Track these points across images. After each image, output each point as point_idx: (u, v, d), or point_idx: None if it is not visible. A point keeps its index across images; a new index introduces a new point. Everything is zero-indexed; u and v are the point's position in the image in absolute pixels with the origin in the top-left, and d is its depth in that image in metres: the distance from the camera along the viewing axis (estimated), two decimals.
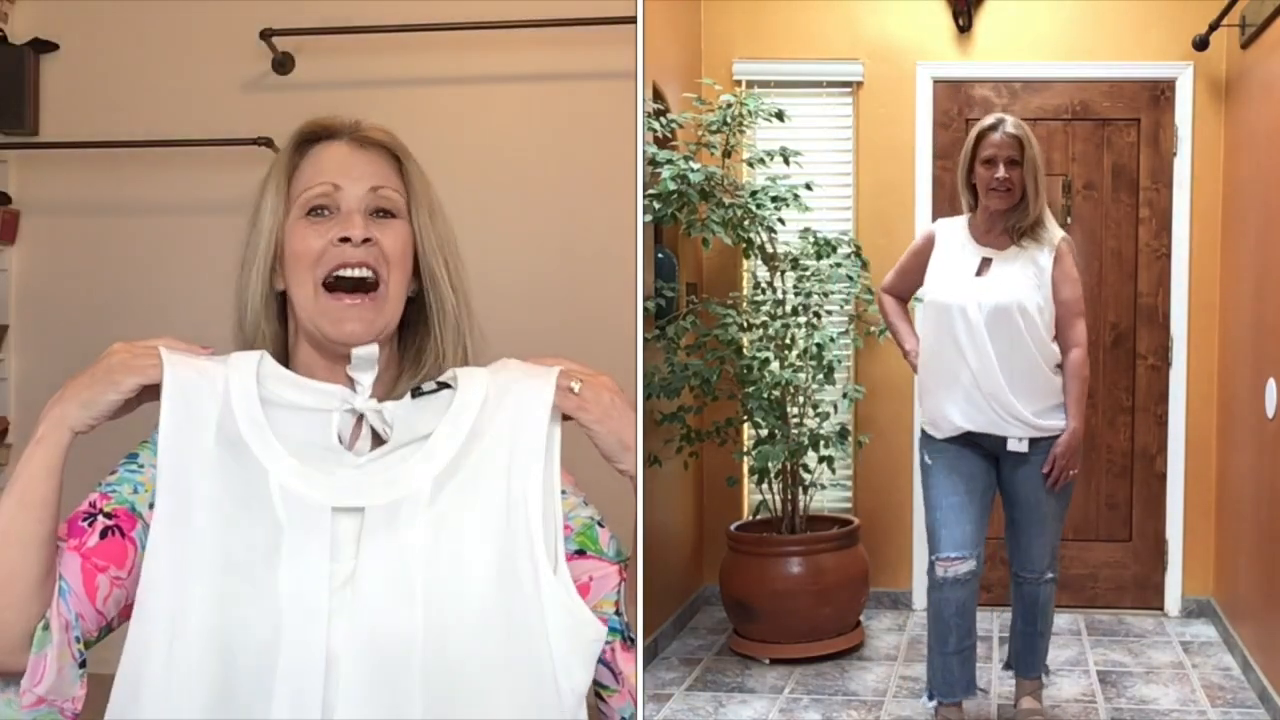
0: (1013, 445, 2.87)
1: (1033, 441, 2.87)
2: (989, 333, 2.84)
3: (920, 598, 4.20)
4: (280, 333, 1.43)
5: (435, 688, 1.23)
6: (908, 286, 3.18)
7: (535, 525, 1.29)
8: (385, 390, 1.40)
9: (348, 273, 1.36)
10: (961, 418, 2.90)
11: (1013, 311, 2.84)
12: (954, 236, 3.00)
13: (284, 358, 1.41)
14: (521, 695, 1.26)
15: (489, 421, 1.32)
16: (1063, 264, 2.89)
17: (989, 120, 2.91)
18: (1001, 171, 2.85)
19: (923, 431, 3.03)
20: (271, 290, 1.41)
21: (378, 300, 1.38)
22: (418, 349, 1.45)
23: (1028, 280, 2.87)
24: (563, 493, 1.37)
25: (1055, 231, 2.92)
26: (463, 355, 1.44)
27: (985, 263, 2.91)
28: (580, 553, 1.38)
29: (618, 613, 1.37)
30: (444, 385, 1.36)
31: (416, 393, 1.34)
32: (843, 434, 3.84)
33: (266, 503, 1.26)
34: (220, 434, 1.27)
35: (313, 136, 1.45)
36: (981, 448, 2.92)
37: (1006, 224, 2.90)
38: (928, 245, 3.05)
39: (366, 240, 1.37)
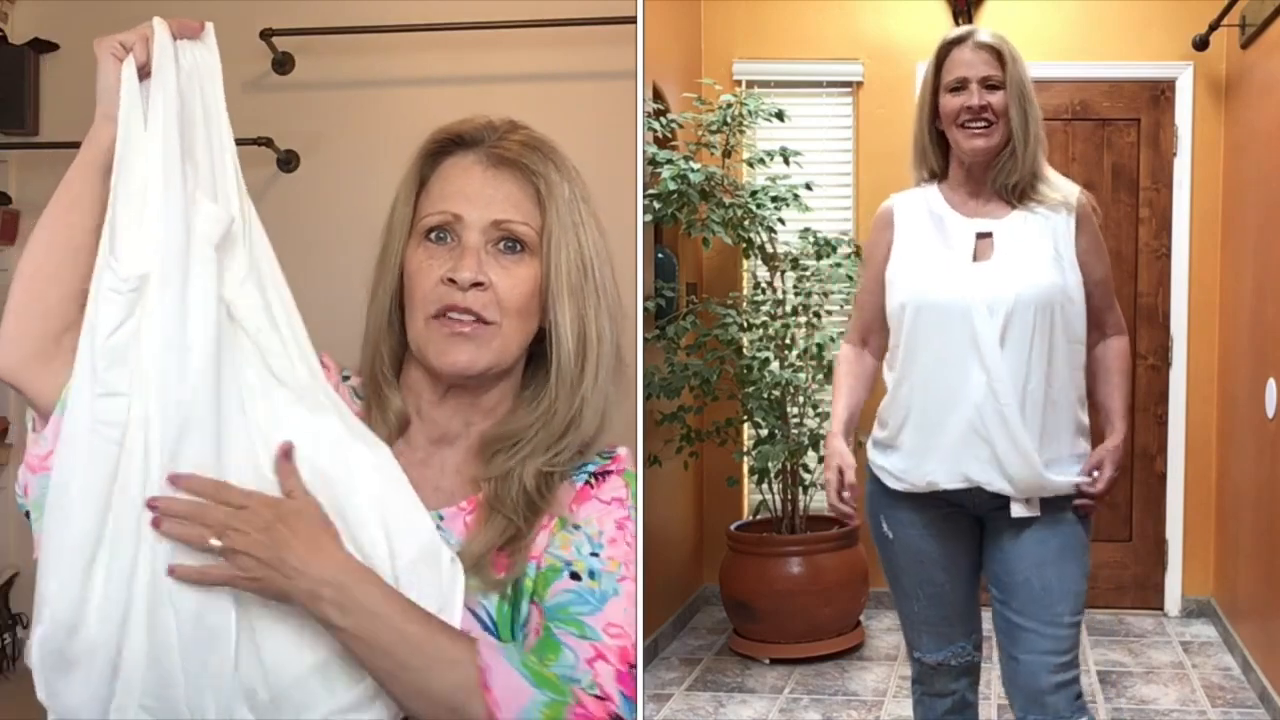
0: (1018, 511, 2.02)
1: (1042, 503, 2.03)
2: (1005, 344, 1.97)
3: None
4: (399, 350, 1.33)
5: None
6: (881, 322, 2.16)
7: None
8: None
9: (455, 315, 1.25)
10: (944, 472, 2.03)
11: (1042, 308, 1.98)
12: (921, 208, 2.09)
13: (397, 373, 1.33)
14: None
15: None
16: (1088, 229, 2.07)
17: (955, 32, 2.07)
18: (975, 98, 2.01)
19: (875, 480, 2.18)
20: (396, 307, 1.31)
21: (489, 332, 1.25)
22: (535, 394, 1.32)
23: (1046, 257, 2.01)
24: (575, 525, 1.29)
25: (1067, 186, 2.10)
26: (578, 409, 1.29)
27: (983, 239, 2.03)
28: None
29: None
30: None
31: None
32: None
33: None
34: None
35: (443, 148, 1.31)
36: (962, 506, 2.08)
37: (993, 182, 2.05)
38: (887, 234, 2.13)
39: (478, 284, 1.24)
